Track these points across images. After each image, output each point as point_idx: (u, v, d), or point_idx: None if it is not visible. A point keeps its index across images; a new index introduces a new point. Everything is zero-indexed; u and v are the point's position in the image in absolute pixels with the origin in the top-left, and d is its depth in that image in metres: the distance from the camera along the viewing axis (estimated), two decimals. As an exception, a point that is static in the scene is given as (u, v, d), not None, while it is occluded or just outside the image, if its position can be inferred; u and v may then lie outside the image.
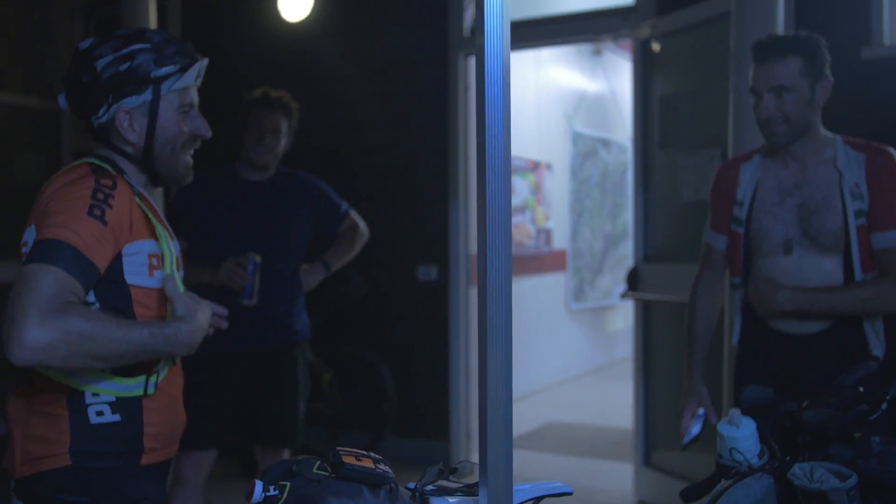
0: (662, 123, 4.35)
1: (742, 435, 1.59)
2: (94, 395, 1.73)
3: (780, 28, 3.12)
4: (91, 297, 1.70)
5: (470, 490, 1.25)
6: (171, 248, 1.83)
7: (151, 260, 1.77)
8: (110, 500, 1.74)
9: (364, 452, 1.21)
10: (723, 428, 1.61)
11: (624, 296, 4.46)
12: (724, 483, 1.56)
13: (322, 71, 5.45)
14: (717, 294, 2.71)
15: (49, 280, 1.54)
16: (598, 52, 8.23)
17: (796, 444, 1.59)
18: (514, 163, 6.95)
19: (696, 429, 2.51)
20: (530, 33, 4.87)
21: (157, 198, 3.85)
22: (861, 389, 1.67)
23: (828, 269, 2.46)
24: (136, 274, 1.75)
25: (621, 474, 4.69)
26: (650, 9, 4.35)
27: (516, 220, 7.17)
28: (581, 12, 4.74)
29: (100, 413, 1.73)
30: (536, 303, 7.46)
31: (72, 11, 5.86)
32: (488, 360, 1.15)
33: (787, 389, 2.14)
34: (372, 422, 5.08)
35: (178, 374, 1.93)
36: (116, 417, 1.74)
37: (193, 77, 1.86)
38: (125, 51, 1.78)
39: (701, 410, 2.58)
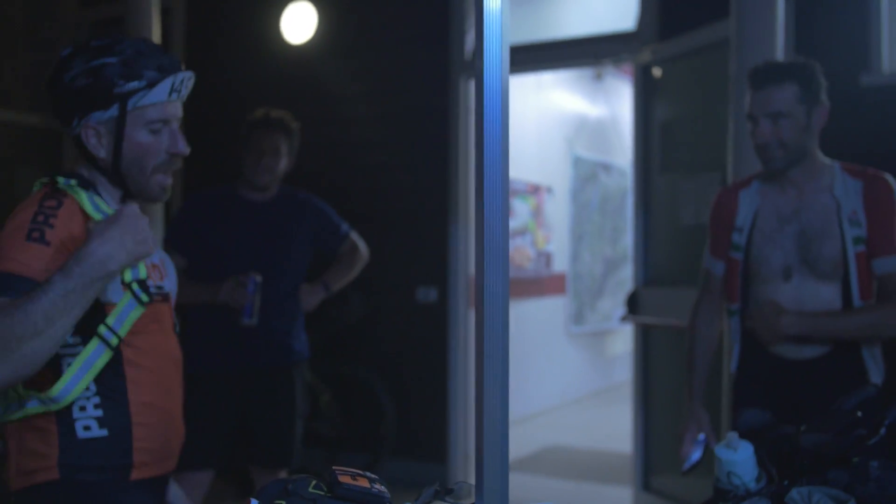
0: (663, 147, 4.37)
1: (739, 459, 1.58)
2: (81, 409, 1.71)
3: (780, 54, 3.14)
4: None
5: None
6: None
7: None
8: None
9: (360, 472, 1.20)
10: (720, 451, 1.60)
11: (623, 319, 4.46)
12: (721, 507, 1.56)
13: (324, 91, 5.48)
14: (716, 319, 2.71)
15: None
16: (599, 77, 8.28)
17: (794, 469, 1.59)
18: (514, 186, 6.97)
19: (696, 454, 2.50)
20: (531, 57, 4.90)
21: (156, 211, 3.87)
22: (859, 414, 1.67)
23: (826, 296, 2.46)
24: (112, 291, 1.71)
25: (620, 499, 4.66)
26: (651, 34, 4.38)
27: (516, 242, 7.17)
28: (583, 37, 4.77)
29: (87, 427, 1.72)
30: (536, 326, 7.45)
31: (76, 29, 5.90)
32: (485, 381, 1.15)
33: (786, 414, 2.14)
34: (370, 443, 5.06)
35: (176, 388, 1.90)
36: (104, 432, 1.73)
37: (165, 93, 1.74)
38: (92, 64, 1.71)
39: (702, 436, 2.57)
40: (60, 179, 1.75)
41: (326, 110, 5.47)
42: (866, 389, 1.80)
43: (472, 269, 4.88)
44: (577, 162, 8.21)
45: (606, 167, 8.71)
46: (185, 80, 1.78)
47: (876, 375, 2.49)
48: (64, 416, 1.71)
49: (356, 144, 5.36)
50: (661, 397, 4.34)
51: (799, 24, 3.82)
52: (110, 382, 1.73)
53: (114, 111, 1.73)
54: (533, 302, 7.49)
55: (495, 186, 1.17)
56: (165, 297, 1.86)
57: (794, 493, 1.49)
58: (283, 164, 3.34)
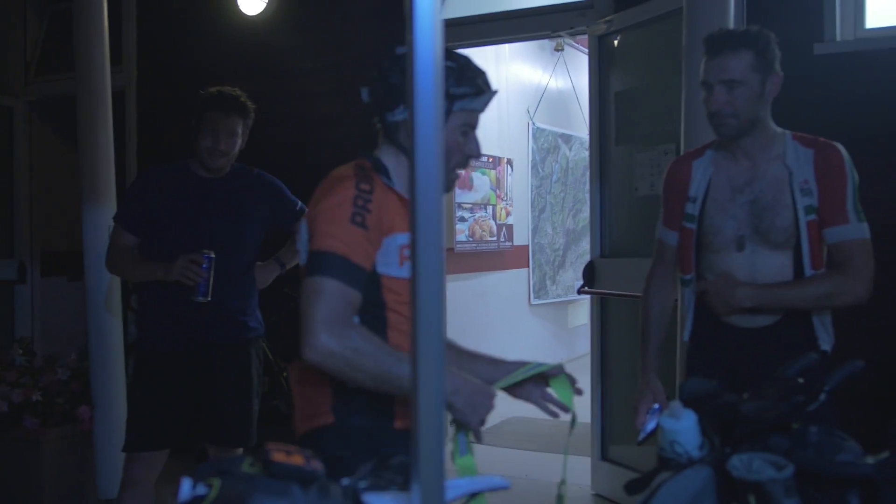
0: (619, 119, 4.37)
1: (682, 427, 1.59)
2: None
3: (732, 23, 3.14)
4: None
5: (404, 486, 1.24)
6: None
7: (402, 251, 1.91)
8: (366, 456, 1.79)
9: (296, 449, 1.19)
10: (663, 421, 1.61)
11: (581, 291, 4.48)
12: (664, 475, 1.57)
13: (282, 65, 5.41)
14: (670, 289, 2.72)
15: (331, 292, 1.78)
16: (559, 49, 8.25)
17: (736, 436, 1.60)
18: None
19: (651, 424, 2.51)
20: (487, 29, 4.87)
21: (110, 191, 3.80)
22: (801, 380, 1.68)
23: (778, 265, 2.47)
24: (388, 264, 1.91)
25: (580, 468, 4.70)
26: (607, 4, 4.36)
27: (477, 216, 7.16)
28: (538, 7, 4.74)
29: None
30: (498, 298, 7.47)
31: (25, 7, 5.76)
32: (419, 348, 1.13)
33: (739, 382, 2.15)
34: (331, 419, 5.05)
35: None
36: None
37: (484, 104, 1.97)
38: None
39: (656, 405, 2.58)
40: (367, 162, 1.97)
41: (284, 83, 5.40)
42: (808, 356, 1.81)
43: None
44: (538, 134, 8.20)
45: (567, 139, 8.71)
46: (492, 97, 2.00)
47: (826, 343, 2.51)
48: None
49: (316, 118, 5.30)
50: (619, 368, 4.37)
51: (751, -6, 3.81)
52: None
53: None
54: (495, 275, 7.49)
55: (429, 163, 1.15)
56: None
57: (735, 460, 1.50)
58: (239, 145, 3.27)
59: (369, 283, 1.88)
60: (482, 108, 1.98)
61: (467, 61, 1.96)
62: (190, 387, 3.21)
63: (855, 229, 2.42)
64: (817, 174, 2.44)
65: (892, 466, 1.44)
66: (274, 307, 4.99)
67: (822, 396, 1.65)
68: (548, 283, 8.40)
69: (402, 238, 1.90)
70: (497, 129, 7.46)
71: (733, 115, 2.42)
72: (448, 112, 1.91)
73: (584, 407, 4.93)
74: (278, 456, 1.16)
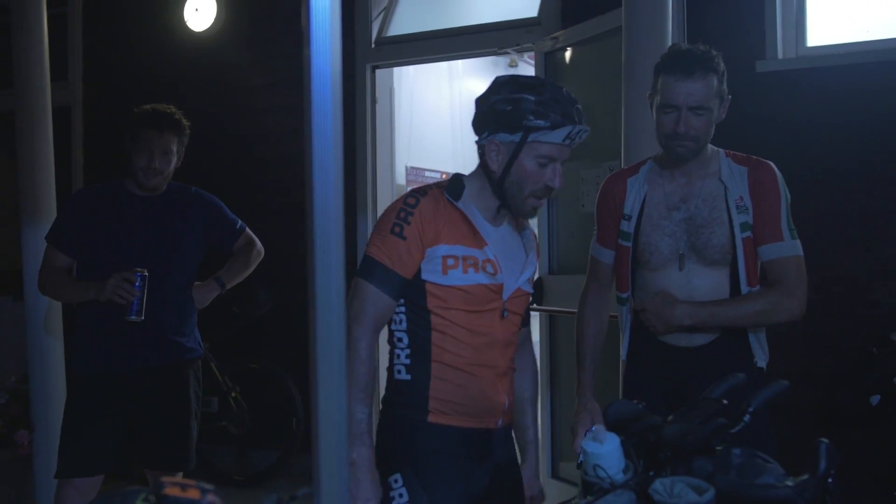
0: (566, 136, 4.36)
1: (605, 451, 1.57)
2: (397, 357, 2.16)
3: (669, 42, 3.14)
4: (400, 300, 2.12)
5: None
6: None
7: (447, 261, 2.08)
8: (405, 446, 2.12)
9: (192, 483, 1.15)
10: (586, 444, 1.59)
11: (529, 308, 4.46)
12: (586, 500, 1.54)
13: (230, 81, 5.36)
14: (604, 308, 2.68)
15: (362, 293, 2.07)
16: (513, 65, 8.25)
17: (659, 459, 1.58)
18: (430, 176, 6.92)
19: None
20: (433, 46, 4.86)
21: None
22: (725, 402, 1.67)
23: (714, 282, 2.46)
24: (431, 272, 2.08)
25: (530, 486, 4.68)
26: (554, 22, 4.37)
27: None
28: (485, 25, 4.74)
29: (398, 371, 2.15)
30: (453, 315, 7.42)
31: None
32: (319, 376, 1.09)
33: (677, 402, 2.13)
34: (280, 439, 4.98)
35: (489, 360, 2.14)
36: (408, 377, 2.13)
37: (561, 137, 2.04)
38: (515, 95, 2.04)
39: (594, 427, 2.55)
40: (450, 180, 2.20)
41: (231, 99, 5.36)
42: (735, 377, 1.81)
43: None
44: (493, 150, 8.17)
45: (523, 155, 8.71)
46: (581, 132, 2.08)
47: (762, 359, 2.51)
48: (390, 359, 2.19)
49: (262, 134, 5.26)
50: (569, 385, 4.35)
51: (693, 12, 3.84)
52: (419, 343, 2.12)
53: (516, 137, 2.06)
54: (450, 291, 7.45)
55: (328, 182, 1.11)
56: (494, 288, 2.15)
57: (658, 484, 1.49)
58: (174, 163, 3.22)
59: (415, 289, 2.10)
60: (561, 141, 2.05)
61: (553, 94, 2.05)
62: (124, 410, 3.14)
63: (788, 246, 2.42)
64: (751, 192, 2.44)
65: (811, 488, 1.43)
66: (222, 326, 4.93)
67: (746, 418, 1.64)
68: (504, 298, 8.37)
69: (446, 249, 2.08)
70: (451, 145, 7.43)
71: (694, 139, 2.41)
72: (522, 142, 2.04)
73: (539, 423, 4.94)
74: (172, 490, 1.12)
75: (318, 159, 1.12)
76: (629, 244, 2.54)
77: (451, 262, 2.08)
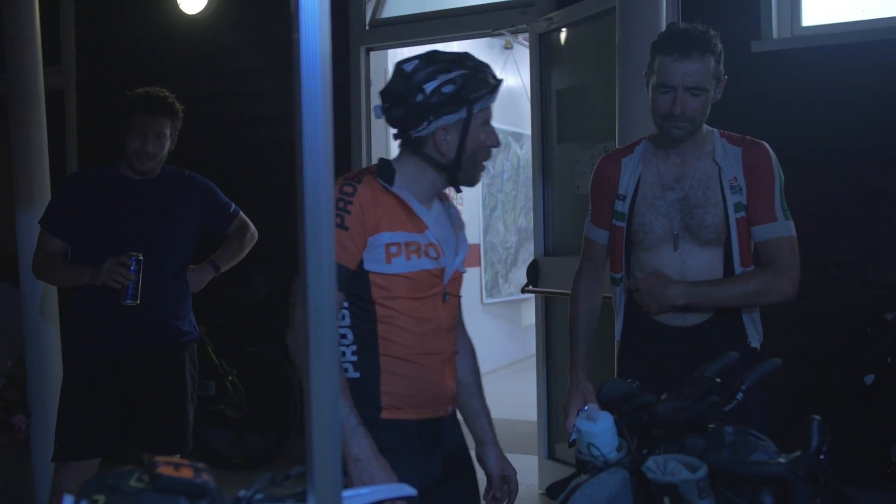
0: (561, 117, 4.36)
1: (599, 430, 1.58)
2: (342, 354, 2.07)
3: (664, 23, 3.13)
4: None
5: (301, 497, 1.21)
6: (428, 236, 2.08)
7: (389, 248, 2.02)
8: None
9: (185, 462, 1.15)
10: (580, 423, 1.60)
11: (525, 290, 4.47)
12: (581, 478, 1.55)
13: (224, 65, 5.34)
14: (598, 288, 2.68)
15: None
16: (508, 47, 8.23)
17: (653, 438, 1.59)
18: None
19: None
20: (427, 27, 4.84)
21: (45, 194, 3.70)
22: (718, 380, 1.68)
23: (708, 262, 2.47)
24: (374, 261, 2.02)
25: (527, 467, 4.69)
26: (548, 2, 4.36)
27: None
28: (479, 6, 4.72)
29: (345, 370, 2.06)
30: (450, 298, 7.43)
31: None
32: (311, 353, 1.10)
33: (671, 382, 2.14)
34: (277, 422, 4.99)
35: (435, 348, 2.11)
36: (357, 375, 2.05)
37: (494, 98, 2.07)
38: (451, 75, 2.00)
39: (587, 406, 2.55)
40: (376, 166, 2.10)
41: (226, 83, 5.34)
42: (729, 356, 1.81)
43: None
44: (489, 133, 8.17)
45: (518, 137, 8.71)
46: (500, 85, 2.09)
47: (755, 340, 2.52)
48: None
49: (257, 117, 5.24)
50: (565, 367, 4.36)
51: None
52: (365, 337, 2.05)
53: (462, 114, 2.03)
54: (446, 274, 7.46)
55: (317, 165, 1.11)
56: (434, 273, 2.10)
57: (651, 462, 1.49)
58: (168, 147, 3.21)
59: (358, 280, 2.02)
60: (493, 102, 2.08)
61: (475, 61, 2.04)
62: (120, 393, 3.14)
63: (782, 227, 2.43)
64: (746, 172, 2.44)
65: (804, 465, 1.44)
66: (220, 310, 4.94)
67: (739, 396, 1.64)
68: (500, 281, 8.39)
69: (389, 237, 2.02)
70: (446, 127, 7.43)
71: (690, 119, 2.40)
72: (469, 116, 2.02)
73: (530, 406, 4.96)
74: (166, 469, 1.12)
75: (307, 143, 1.11)
76: (623, 224, 2.54)
77: (394, 249, 2.03)
